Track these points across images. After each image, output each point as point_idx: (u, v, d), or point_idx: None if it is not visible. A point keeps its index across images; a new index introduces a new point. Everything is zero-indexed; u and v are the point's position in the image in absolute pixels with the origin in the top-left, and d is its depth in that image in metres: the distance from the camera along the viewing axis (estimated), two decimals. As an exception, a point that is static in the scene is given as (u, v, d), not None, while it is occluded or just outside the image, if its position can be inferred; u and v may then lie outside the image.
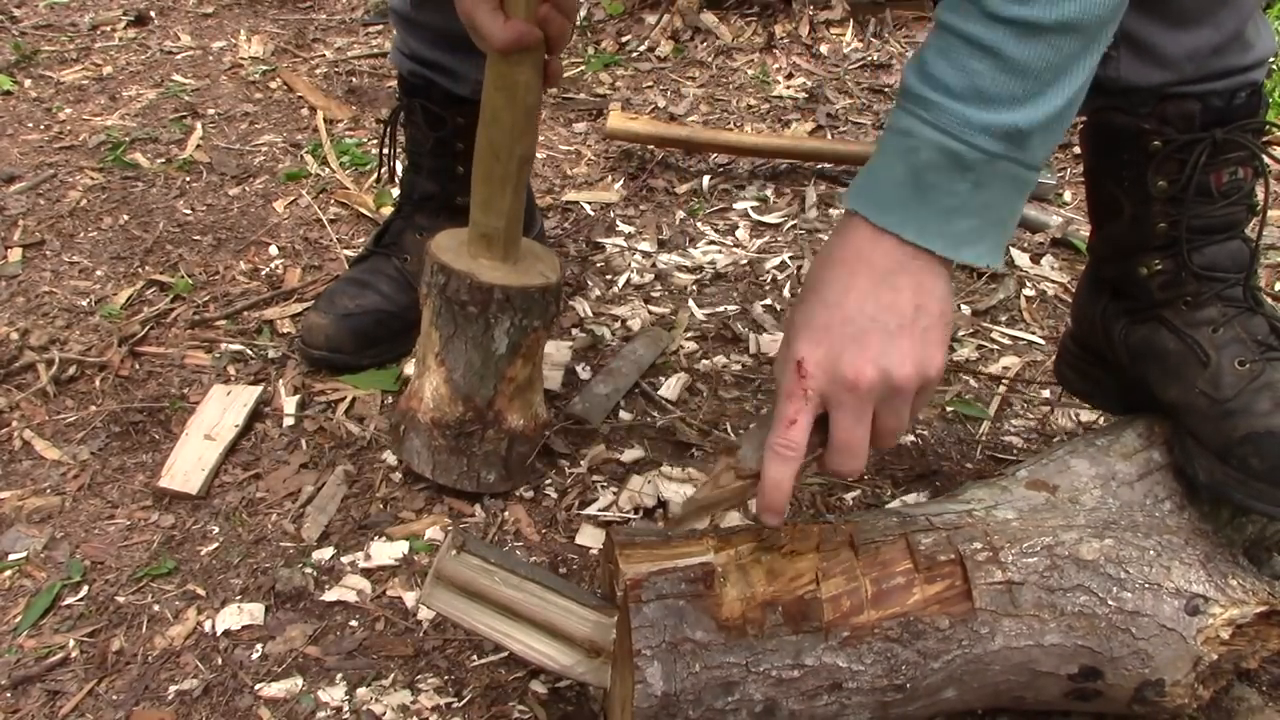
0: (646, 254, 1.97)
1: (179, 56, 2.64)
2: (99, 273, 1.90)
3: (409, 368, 1.62)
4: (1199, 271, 1.21)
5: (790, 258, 1.95)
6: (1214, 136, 1.17)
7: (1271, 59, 1.20)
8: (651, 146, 2.25)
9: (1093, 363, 1.39)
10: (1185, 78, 1.15)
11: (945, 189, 0.92)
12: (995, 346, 1.76)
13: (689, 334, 1.77)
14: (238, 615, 1.31)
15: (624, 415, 1.61)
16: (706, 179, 2.19)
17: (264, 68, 2.58)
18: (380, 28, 2.82)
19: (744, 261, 1.94)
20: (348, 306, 1.66)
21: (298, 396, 1.62)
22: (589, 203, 2.11)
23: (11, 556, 1.39)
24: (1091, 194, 1.32)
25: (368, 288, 1.69)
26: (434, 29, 1.61)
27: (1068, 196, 2.16)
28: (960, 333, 1.78)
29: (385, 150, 1.78)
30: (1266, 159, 1.20)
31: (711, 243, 2.01)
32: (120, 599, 1.33)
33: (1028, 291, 1.89)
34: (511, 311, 1.37)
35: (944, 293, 0.94)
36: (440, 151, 1.69)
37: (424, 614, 1.31)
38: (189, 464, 1.49)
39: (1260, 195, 1.23)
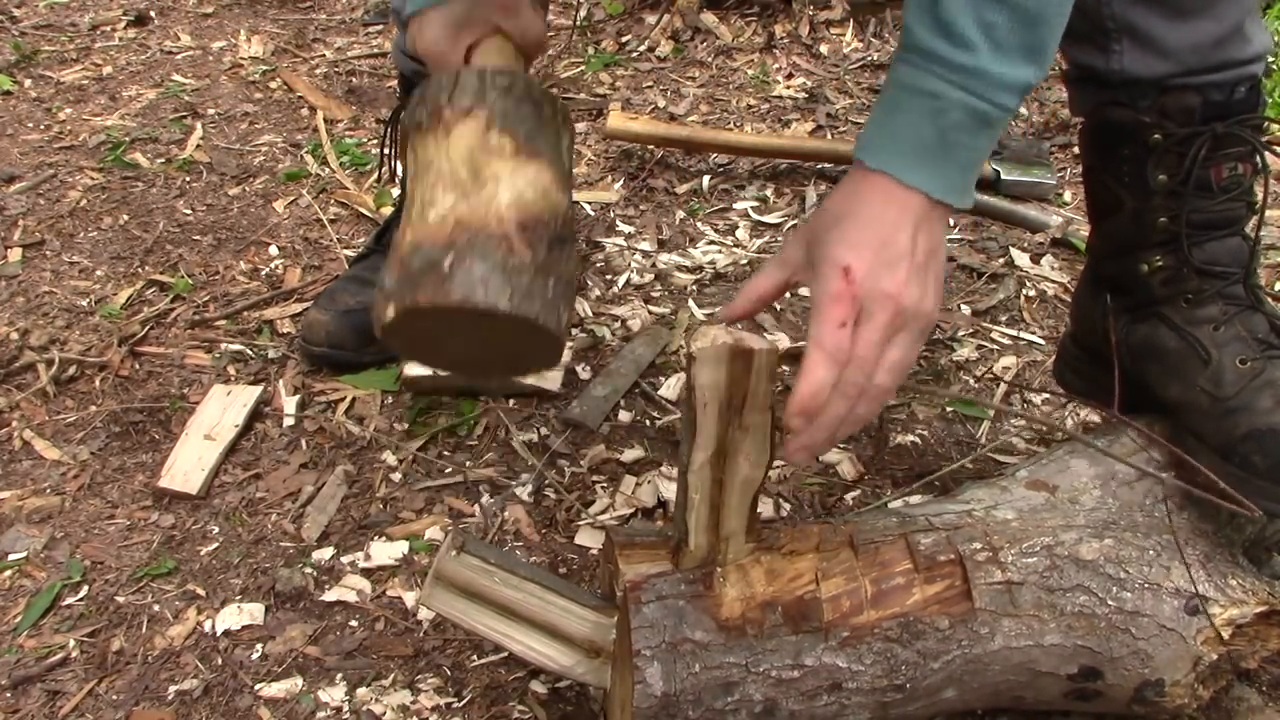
0: (646, 254, 1.97)
1: (179, 56, 2.64)
2: (99, 273, 1.90)
3: (409, 368, 1.63)
4: (1200, 267, 1.21)
5: (790, 258, 1.95)
6: (1214, 130, 1.17)
7: (1269, 55, 1.20)
8: (651, 146, 2.25)
9: (1092, 363, 1.38)
10: (1187, 69, 1.16)
11: (969, 146, 0.95)
12: (995, 347, 1.76)
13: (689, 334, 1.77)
14: (238, 615, 1.31)
15: (624, 415, 1.61)
16: (706, 179, 2.19)
17: (264, 68, 2.58)
18: (380, 28, 2.82)
19: (744, 261, 1.94)
20: (349, 304, 1.66)
21: (298, 396, 1.62)
22: (589, 203, 2.11)
23: (11, 556, 1.39)
24: (1091, 191, 1.32)
25: (369, 285, 1.69)
26: None
27: (1068, 196, 2.16)
28: (960, 333, 1.78)
29: (386, 150, 1.78)
30: (1267, 155, 1.20)
31: (711, 243, 2.01)
32: (120, 599, 1.34)
33: (1028, 291, 1.89)
34: (570, 128, 1.15)
35: (943, 240, 0.99)
36: None
37: (424, 614, 1.31)
38: (189, 464, 1.49)
39: (1259, 192, 1.23)
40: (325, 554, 1.39)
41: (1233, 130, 1.18)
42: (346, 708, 1.21)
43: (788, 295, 1.86)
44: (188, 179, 2.16)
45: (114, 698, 1.23)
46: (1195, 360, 1.21)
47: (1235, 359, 1.19)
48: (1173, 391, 1.22)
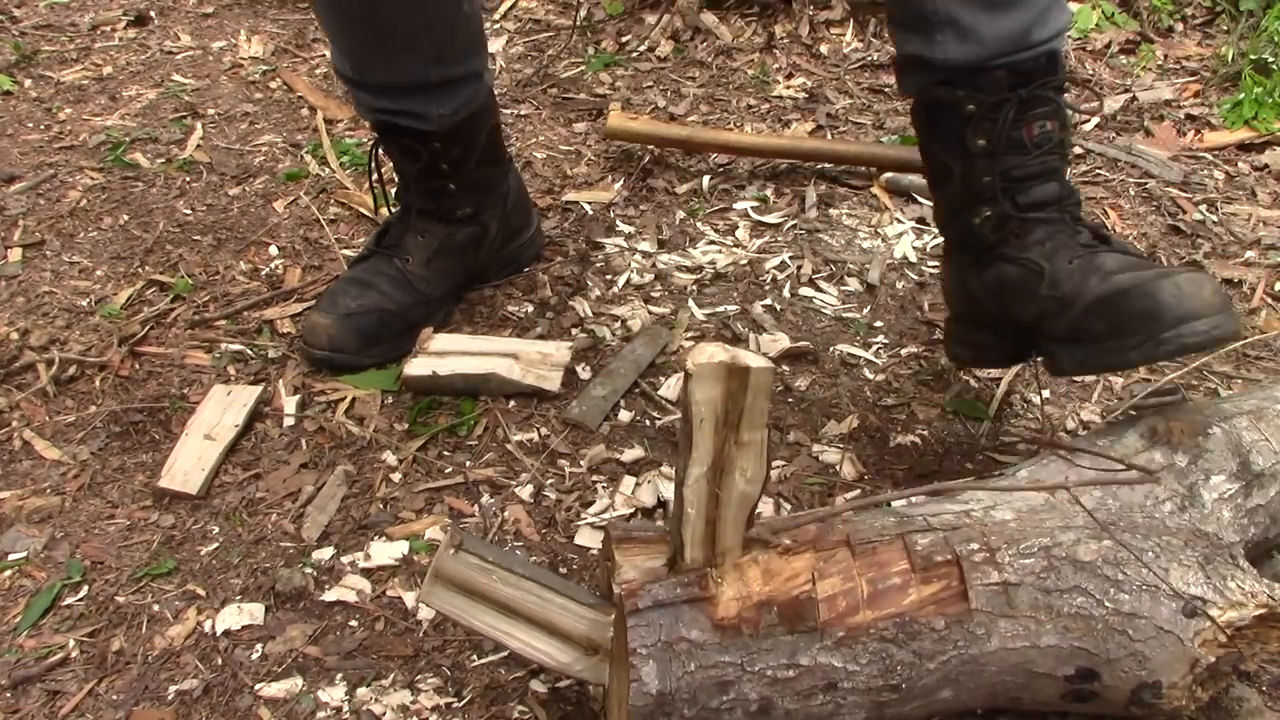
0: (646, 254, 1.97)
1: (179, 56, 2.64)
2: (99, 273, 1.90)
3: (409, 367, 1.63)
4: (1022, 208, 1.37)
5: (790, 258, 1.95)
6: (1019, 95, 1.34)
7: (1068, 29, 1.40)
8: (651, 146, 2.25)
9: (972, 330, 1.50)
10: (999, 53, 1.33)
11: None
12: (994, 346, 1.76)
13: (689, 334, 1.77)
14: (238, 615, 1.31)
15: (624, 415, 1.61)
16: (706, 179, 2.19)
17: (264, 68, 2.58)
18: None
19: (744, 261, 1.95)
20: (350, 306, 1.66)
21: (298, 396, 1.62)
22: (589, 203, 2.11)
23: (11, 556, 1.39)
24: (927, 164, 1.49)
25: (370, 287, 1.69)
26: (383, 85, 1.64)
27: (1067, 196, 2.16)
28: (959, 333, 1.78)
29: (373, 178, 1.80)
30: (1066, 110, 1.38)
31: (711, 243, 2.01)
32: (120, 599, 1.34)
33: (1027, 291, 1.88)
34: None
35: None
36: (427, 175, 1.72)
37: (424, 614, 1.31)
38: (189, 464, 1.50)
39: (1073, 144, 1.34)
40: (325, 554, 1.40)
41: (1036, 93, 1.34)
42: (346, 708, 1.21)
43: (787, 295, 1.86)
44: (188, 179, 2.16)
45: (114, 698, 1.23)
46: (1033, 276, 1.35)
47: (1065, 261, 1.33)
48: (1028, 311, 1.35)
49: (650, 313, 1.82)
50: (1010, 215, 1.37)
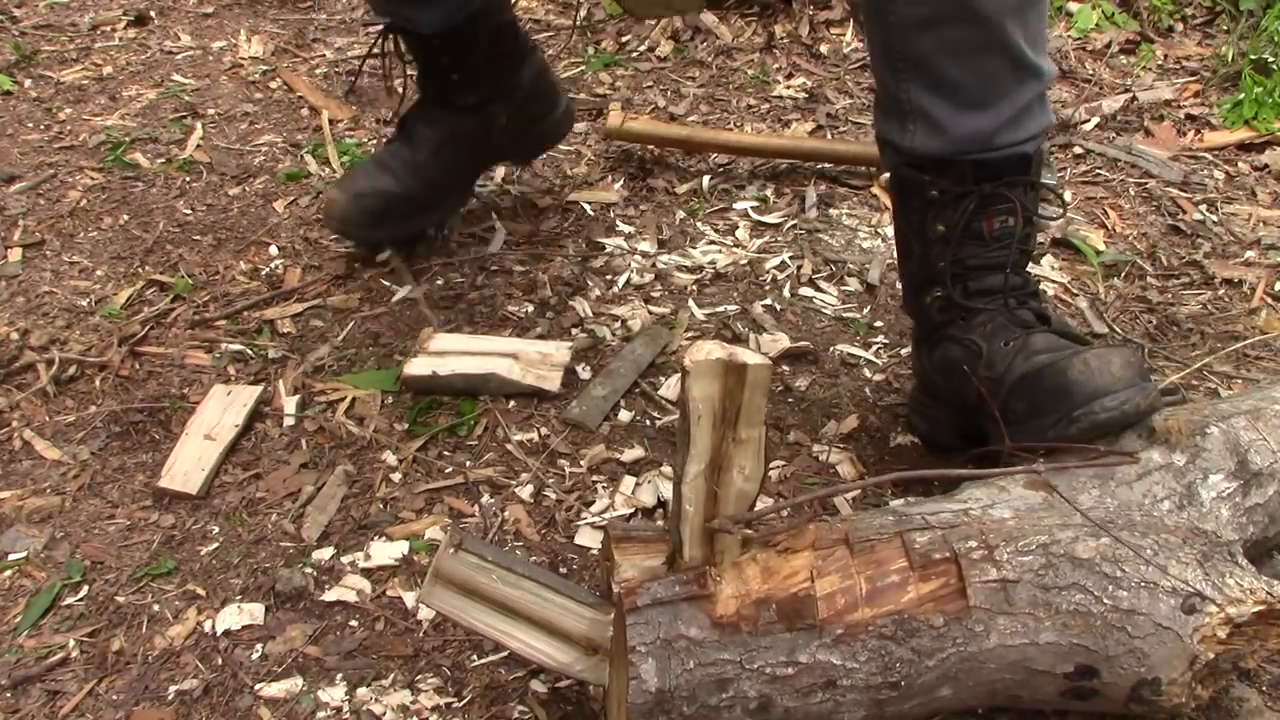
0: (646, 254, 1.97)
1: (179, 56, 2.65)
2: (99, 273, 1.90)
3: (410, 367, 1.63)
4: (971, 294, 1.41)
5: (790, 258, 1.95)
6: (982, 190, 1.37)
7: (1045, 131, 1.42)
8: (651, 146, 2.25)
9: (930, 403, 1.53)
10: (966, 150, 1.36)
11: None
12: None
13: (689, 334, 1.78)
14: (238, 615, 1.31)
15: (624, 415, 1.61)
16: (706, 179, 2.19)
17: (264, 68, 2.58)
18: (380, 27, 2.82)
19: (744, 261, 1.95)
20: (362, 186, 1.82)
21: (298, 396, 1.63)
22: (589, 203, 2.12)
23: (11, 556, 1.39)
24: (896, 239, 1.53)
25: (385, 170, 1.84)
26: None
27: (1068, 196, 2.16)
28: (959, 332, 1.78)
29: (379, 59, 1.90)
30: (1033, 213, 1.41)
31: (711, 243, 2.01)
32: (120, 599, 1.34)
33: (1027, 291, 1.88)
34: None
35: None
36: (432, 66, 1.84)
37: (424, 614, 1.31)
38: (189, 464, 1.50)
39: (1040, 238, 1.34)
40: (325, 554, 1.40)
41: (1000, 190, 1.37)
42: (346, 708, 1.21)
43: (787, 295, 1.86)
44: (188, 179, 2.17)
45: (114, 698, 1.23)
46: (973, 357, 1.38)
47: (1000, 343, 1.36)
48: (970, 391, 1.35)
49: (650, 313, 1.82)
50: (956, 301, 1.41)
